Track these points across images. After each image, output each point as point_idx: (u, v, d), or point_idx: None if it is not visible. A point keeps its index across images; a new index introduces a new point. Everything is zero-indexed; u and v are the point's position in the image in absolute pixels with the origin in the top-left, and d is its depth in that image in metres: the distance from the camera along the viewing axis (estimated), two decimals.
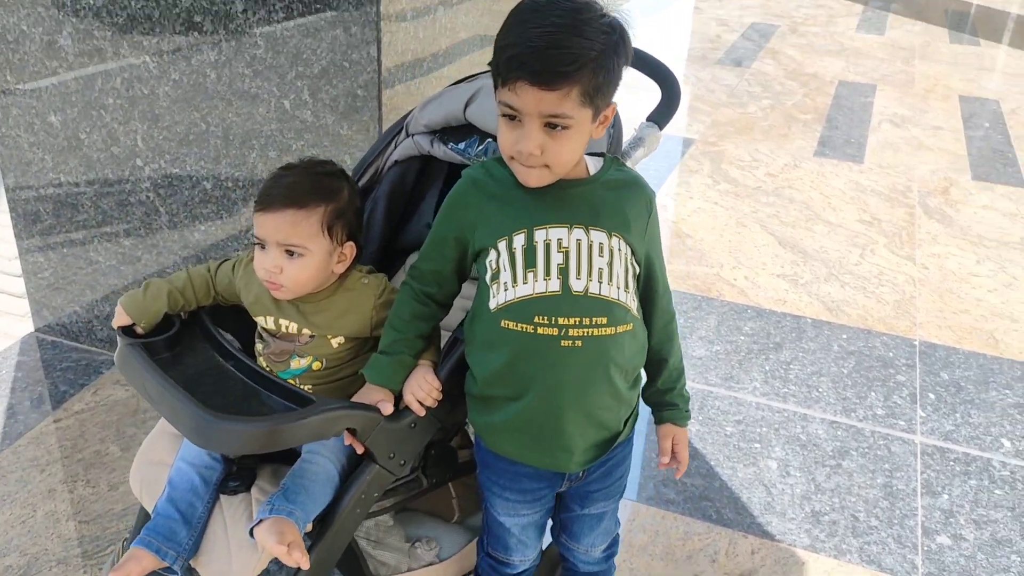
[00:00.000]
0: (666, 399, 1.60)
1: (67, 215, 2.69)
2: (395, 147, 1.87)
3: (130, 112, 2.47)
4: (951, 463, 2.53)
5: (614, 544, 1.72)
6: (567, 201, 1.40)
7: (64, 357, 2.80)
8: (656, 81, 1.74)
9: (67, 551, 2.07)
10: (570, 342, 1.37)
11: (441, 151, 1.81)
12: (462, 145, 1.79)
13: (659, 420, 1.62)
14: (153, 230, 2.62)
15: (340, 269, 1.54)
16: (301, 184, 1.50)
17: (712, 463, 2.49)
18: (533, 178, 1.36)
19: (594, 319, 1.38)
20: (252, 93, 2.33)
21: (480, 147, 1.76)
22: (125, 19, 2.36)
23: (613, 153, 1.61)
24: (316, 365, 1.55)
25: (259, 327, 1.60)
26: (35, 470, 2.32)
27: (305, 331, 1.54)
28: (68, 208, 2.68)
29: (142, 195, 2.58)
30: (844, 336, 3.15)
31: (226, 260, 1.62)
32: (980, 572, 2.16)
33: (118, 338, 1.51)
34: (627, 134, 1.67)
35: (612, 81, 1.32)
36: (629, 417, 1.53)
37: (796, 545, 2.21)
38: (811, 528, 2.27)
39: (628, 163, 1.64)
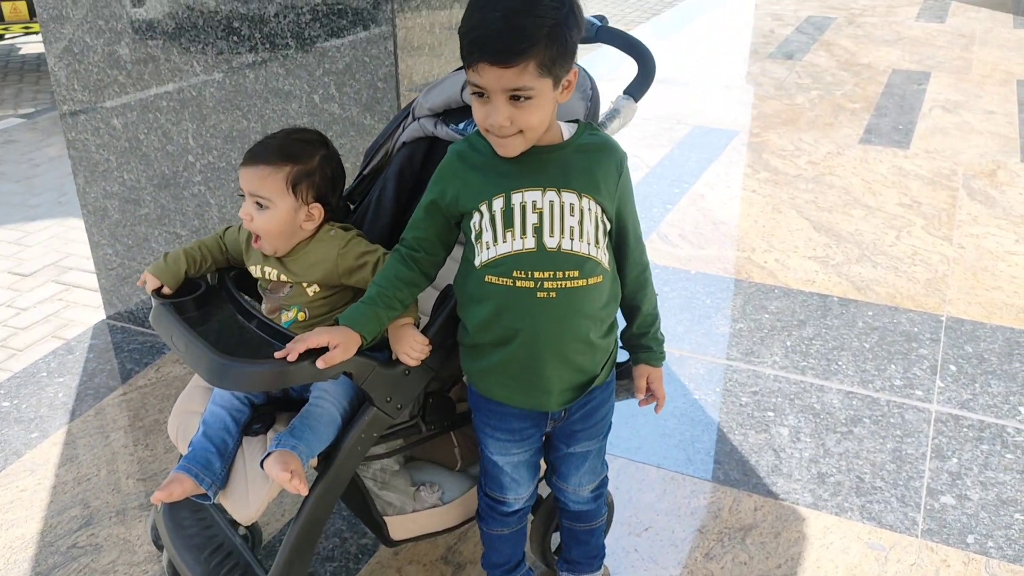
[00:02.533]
0: (641, 342, 1.74)
1: (131, 210, 2.97)
2: (403, 130, 2.05)
3: (181, 113, 2.73)
4: (964, 429, 2.57)
5: (602, 485, 1.85)
6: (541, 166, 1.54)
7: (131, 340, 3.07)
8: (632, 56, 1.86)
9: (125, 504, 2.31)
10: (545, 293, 1.53)
11: (444, 132, 1.98)
12: (462, 125, 1.96)
13: (635, 361, 1.76)
14: (205, 220, 2.87)
15: (309, 227, 1.73)
16: (275, 145, 1.72)
17: (724, 430, 2.59)
18: (509, 147, 1.51)
19: (567, 272, 1.53)
20: (286, 90, 2.55)
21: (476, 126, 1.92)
22: (174, 28, 2.61)
23: (591, 122, 1.75)
24: (300, 316, 1.74)
25: (258, 286, 1.81)
26: (100, 436, 2.58)
27: (283, 278, 1.73)
28: (131, 204, 2.96)
29: (194, 188, 2.83)
30: (870, 313, 3.19)
31: (230, 227, 1.85)
32: (981, 528, 2.20)
33: (152, 300, 1.73)
34: (604, 106, 1.81)
35: (567, 51, 1.46)
36: (606, 362, 1.67)
37: (798, 503, 2.30)
38: (815, 488, 2.35)
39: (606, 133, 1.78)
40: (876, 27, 7.36)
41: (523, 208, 1.52)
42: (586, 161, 1.57)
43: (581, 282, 1.54)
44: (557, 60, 1.44)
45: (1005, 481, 2.36)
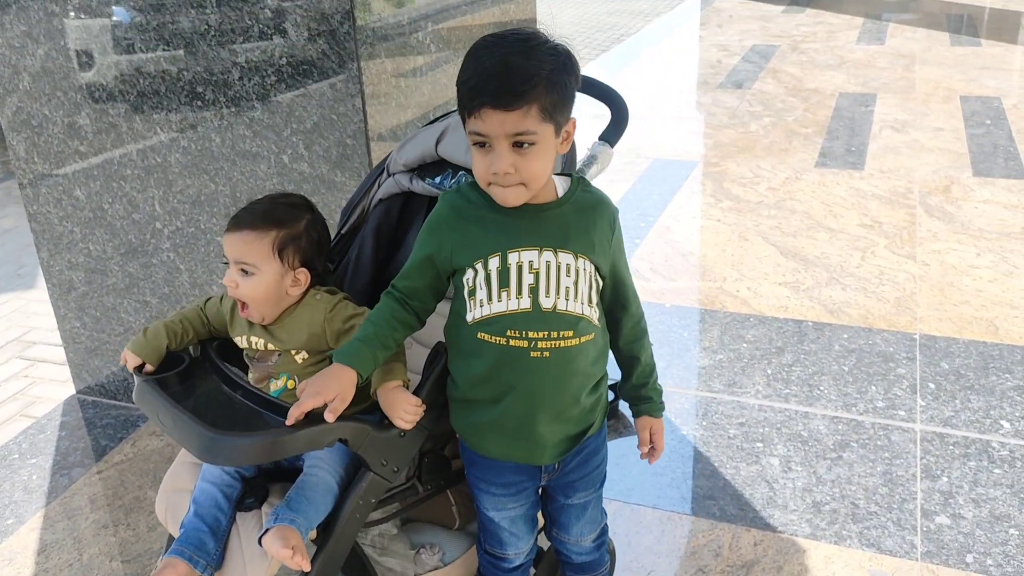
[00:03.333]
0: (641, 393, 1.73)
1: (98, 281, 2.91)
2: (378, 187, 2.04)
3: (146, 180, 2.69)
4: (950, 447, 2.60)
5: (603, 533, 1.83)
6: (538, 224, 1.53)
7: (104, 415, 2.99)
8: (605, 103, 1.88)
9: None
10: (539, 353, 1.51)
11: (420, 186, 1.97)
12: (438, 179, 1.96)
13: (636, 413, 1.75)
14: (176, 287, 2.82)
15: (295, 292, 1.71)
16: (260, 210, 1.70)
17: (716, 464, 2.58)
18: (511, 197, 1.49)
19: (561, 332, 1.52)
20: (253, 152, 2.53)
21: (453, 180, 1.92)
22: (136, 96, 2.58)
23: (568, 170, 1.75)
24: (290, 384, 1.71)
25: (244, 355, 1.77)
26: (80, 518, 2.49)
27: (271, 346, 1.70)
28: (98, 275, 2.90)
29: (163, 255, 2.78)
30: (845, 336, 3.23)
31: (211, 297, 1.81)
32: (978, 547, 2.22)
33: (134, 378, 1.69)
34: (581, 153, 1.82)
35: (566, 98, 1.46)
36: (597, 412, 1.66)
37: (797, 535, 2.29)
38: (812, 518, 2.35)
39: None
40: (819, 52, 7.56)
41: (519, 268, 1.51)
42: (583, 220, 1.56)
43: (574, 341, 1.53)
44: (557, 106, 1.44)
45: (996, 497, 2.38)
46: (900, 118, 5.71)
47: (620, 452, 2.62)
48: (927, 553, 2.21)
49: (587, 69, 7.95)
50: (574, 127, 1.53)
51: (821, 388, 2.92)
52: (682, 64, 7.59)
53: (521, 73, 1.40)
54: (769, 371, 3.03)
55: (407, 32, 2.59)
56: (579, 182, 1.61)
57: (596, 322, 1.57)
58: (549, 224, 1.53)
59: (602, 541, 1.83)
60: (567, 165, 1.77)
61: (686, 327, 3.36)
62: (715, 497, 2.45)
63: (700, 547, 2.27)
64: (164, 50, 2.49)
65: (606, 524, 1.83)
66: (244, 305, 1.69)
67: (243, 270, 1.66)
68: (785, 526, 2.32)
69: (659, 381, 1.75)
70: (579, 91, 1.93)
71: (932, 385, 2.90)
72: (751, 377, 3.00)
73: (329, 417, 1.47)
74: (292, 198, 1.78)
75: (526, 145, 1.43)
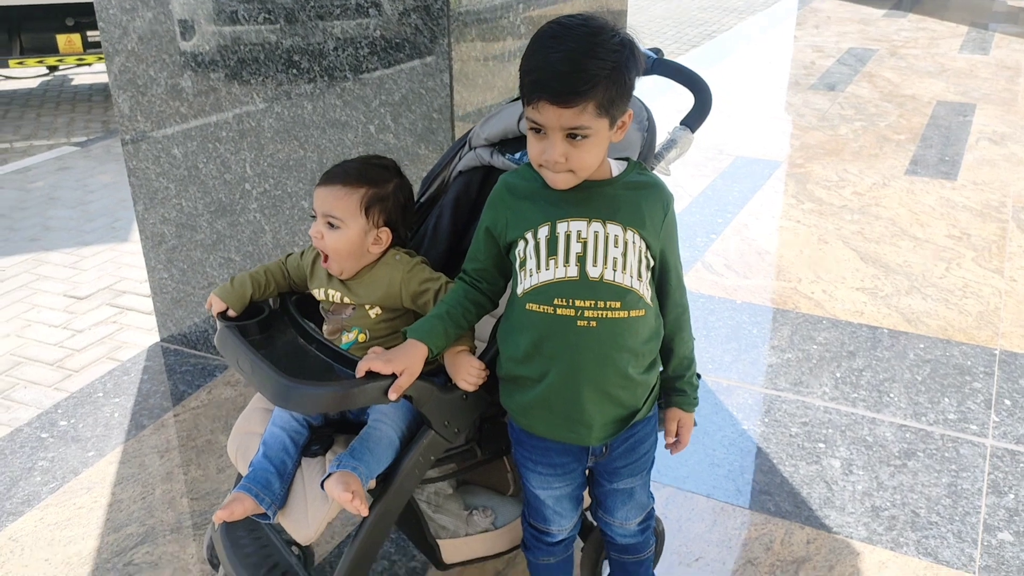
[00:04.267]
0: (676, 386, 1.73)
1: (187, 236, 3.04)
2: (459, 159, 2.09)
3: (240, 143, 2.80)
4: (1021, 465, 2.52)
5: (649, 517, 1.84)
6: (588, 198, 1.56)
7: (184, 362, 3.13)
8: (689, 88, 1.89)
9: (179, 522, 2.34)
10: (586, 322, 1.53)
11: (500, 161, 2.02)
12: (518, 155, 1.99)
13: (666, 404, 1.75)
14: (259, 246, 2.93)
15: (375, 250, 1.78)
16: (353, 168, 1.78)
17: (774, 461, 2.56)
18: (560, 181, 1.53)
19: (608, 303, 1.53)
20: (342, 121, 2.61)
21: None
22: (236, 62, 2.69)
23: (646, 154, 1.77)
24: (361, 337, 1.77)
25: (320, 308, 1.84)
26: (155, 455, 2.63)
27: (347, 300, 1.77)
28: (188, 230, 3.03)
29: (250, 215, 2.90)
30: (921, 345, 3.16)
31: (292, 253, 1.89)
32: None
33: (217, 323, 1.78)
34: (661, 136, 1.83)
35: (625, 93, 1.48)
36: (648, 397, 1.66)
37: (852, 537, 2.27)
38: (869, 522, 2.32)
39: (662, 163, 1.80)
40: (919, 59, 7.33)
41: (567, 237, 1.54)
42: (634, 197, 1.58)
43: (623, 313, 1.54)
44: (615, 101, 1.46)
45: None
46: (999, 130, 5.51)
47: None
48: (985, 567, 2.16)
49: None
50: (631, 118, 1.54)
51: (891, 395, 2.87)
52: (774, 63, 7.45)
53: (583, 74, 1.41)
54: (838, 374, 2.99)
55: (499, 15, 2.63)
56: (635, 166, 1.62)
57: (648, 299, 1.57)
58: (600, 199, 1.55)
59: (648, 525, 1.85)
60: (646, 148, 1.78)
61: (756, 324, 3.33)
62: (771, 493, 2.44)
63: (751, 539, 2.26)
64: (265, 20, 2.59)
65: (652, 508, 1.84)
66: (326, 256, 1.76)
67: (330, 223, 1.73)
68: (840, 527, 2.30)
69: (696, 377, 1.74)
70: (663, 76, 1.96)
71: (1008, 402, 2.82)
72: (818, 378, 2.97)
73: (392, 396, 1.53)
74: (384, 160, 1.85)
75: (579, 137, 1.46)
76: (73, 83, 7.99)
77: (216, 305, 1.77)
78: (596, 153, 1.51)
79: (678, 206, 4.36)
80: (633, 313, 1.54)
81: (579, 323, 1.52)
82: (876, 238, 4.04)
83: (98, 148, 5.94)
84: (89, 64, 7.35)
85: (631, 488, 1.75)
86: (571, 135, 1.46)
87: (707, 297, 3.53)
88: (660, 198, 1.60)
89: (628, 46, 1.47)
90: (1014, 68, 6.97)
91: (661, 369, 1.71)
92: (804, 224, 4.21)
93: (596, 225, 1.53)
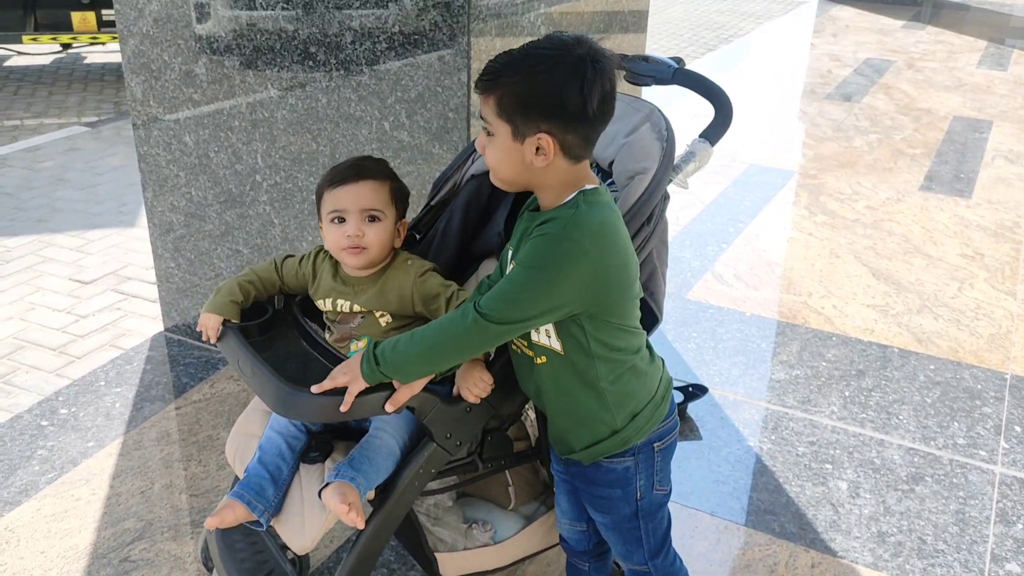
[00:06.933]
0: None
1: (196, 225, 3.01)
2: (472, 162, 2.05)
3: (252, 133, 2.77)
4: None
5: (645, 571, 1.74)
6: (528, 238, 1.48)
7: (187, 354, 3.11)
8: (710, 101, 1.85)
9: (178, 519, 2.32)
10: (540, 359, 1.54)
11: None
12: None
13: None
14: (268, 239, 2.90)
15: (398, 244, 1.78)
16: (368, 165, 1.77)
17: (780, 480, 2.53)
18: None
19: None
20: (356, 116, 2.58)
21: None
22: (251, 51, 2.66)
23: (665, 165, 1.72)
24: None
25: (324, 318, 1.80)
26: (155, 449, 2.60)
27: (356, 308, 1.73)
28: (197, 219, 3.00)
29: (260, 207, 2.86)
30: (931, 367, 3.12)
31: (291, 256, 1.85)
32: None
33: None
34: (680, 149, 1.79)
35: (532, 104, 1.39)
36: (611, 436, 1.57)
37: (858, 562, 2.23)
38: (875, 548, 2.28)
39: (680, 176, 1.76)
40: (936, 72, 7.27)
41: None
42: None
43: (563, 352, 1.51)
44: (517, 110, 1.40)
45: None
46: (1016, 149, 5.45)
47: (683, 455, 2.61)
48: None
49: (691, 67, 7.80)
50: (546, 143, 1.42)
51: (900, 417, 2.83)
52: (790, 71, 7.39)
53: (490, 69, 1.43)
54: (847, 393, 2.95)
55: (519, 12, 2.59)
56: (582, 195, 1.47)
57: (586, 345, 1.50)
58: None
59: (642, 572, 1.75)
60: (665, 159, 1.73)
61: (764, 338, 3.29)
62: (776, 513, 2.40)
63: (755, 561, 2.23)
64: (283, 8, 2.55)
65: (655, 566, 1.73)
66: (358, 250, 1.71)
67: (371, 217, 1.72)
68: (846, 552, 2.27)
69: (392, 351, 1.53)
70: (684, 86, 1.92)
71: (1018, 428, 2.78)
72: (827, 397, 2.93)
73: (389, 408, 1.52)
74: (377, 159, 1.84)
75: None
76: (86, 62, 7.95)
77: (209, 326, 1.72)
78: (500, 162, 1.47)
79: (689, 213, 4.34)
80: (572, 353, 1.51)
81: (536, 360, 1.55)
82: (888, 254, 4.00)
83: (108, 129, 5.91)
84: (103, 43, 7.31)
85: (603, 524, 1.70)
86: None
87: (716, 308, 3.49)
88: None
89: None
90: None
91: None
92: (816, 237, 4.17)
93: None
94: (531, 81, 1.38)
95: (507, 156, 1.44)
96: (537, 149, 1.40)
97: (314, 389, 1.50)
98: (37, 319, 3.45)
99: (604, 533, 1.73)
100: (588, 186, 1.46)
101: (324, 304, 1.78)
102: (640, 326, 1.56)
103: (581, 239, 1.39)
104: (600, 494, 1.65)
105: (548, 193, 1.46)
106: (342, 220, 1.72)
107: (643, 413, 1.57)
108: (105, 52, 8.10)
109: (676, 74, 1.96)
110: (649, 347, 1.62)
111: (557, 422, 1.62)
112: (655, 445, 1.62)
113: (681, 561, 1.79)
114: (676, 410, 1.68)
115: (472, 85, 2.40)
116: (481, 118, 1.46)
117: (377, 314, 1.74)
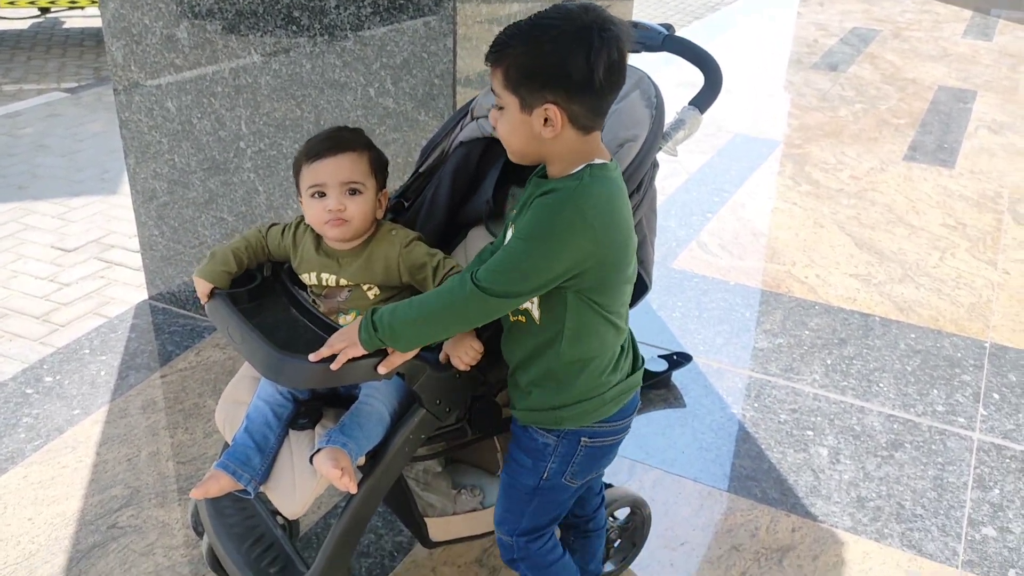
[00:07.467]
0: None
1: (179, 193, 2.99)
2: (460, 129, 2.04)
3: (235, 99, 2.74)
4: (1007, 460, 2.53)
5: (513, 535, 1.74)
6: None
7: (172, 322, 3.10)
8: (699, 68, 1.84)
9: (165, 487, 2.32)
10: (517, 317, 1.55)
11: None
12: None
13: None
14: (252, 207, 2.88)
15: (380, 215, 1.76)
16: (345, 136, 1.74)
17: (762, 447, 2.57)
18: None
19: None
20: (341, 82, 2.55)
21: None
22: (234, 15, 2.62)
23: (655, 132, 1.72)
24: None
25: (309, 291, 1.80)
26: (141, 417, 2.60)
27: (343, 281, 1.73)
28: (180, 187, 2.98)
29: (244, 175, 2.84)
30: (912, 335, 3.16)
31: (275, 224, 1.83)
32: (1023, 563, 2.17)
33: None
34: (669, 116, 1.79)
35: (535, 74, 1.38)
36: (549, 410, 1.59)
37: (837, 526, 2.28)
38: (855, 512, 2.33)
39: (669, 144, 1.76)
40: (922, 42, 7.27)
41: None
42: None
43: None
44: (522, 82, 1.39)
45: None
46: (999, 119, 5.48)
47: (667, 422, 2.64)
48: (968, 562, 2.17)
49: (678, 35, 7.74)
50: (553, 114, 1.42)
51: (880, 385, 2.87)
52: (776, 40, 7.37)
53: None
54: (829, 361, 2.99)
55: None
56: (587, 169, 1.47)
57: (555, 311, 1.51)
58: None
59: (509, 543, 1.74)
60: (655, 126, 1.73)
61: (748, 307, 3.31)
62: (758, 479, 2.44)
63: (737, 526, 2.27)
64: None
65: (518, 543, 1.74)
66: (340, 223, 1.70)
67: (352, 190, 1.70)
68: (826, 516, 2.31)
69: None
70: (673, 53, 1.91)
71: (996, 396, 2.83)
72: (809, 365, 2.96)
73: (382, 371, 1.51)
74: (354, 128, 1.82)
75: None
76: (64, 26, 7.81)
77: (201, 289, 1.73)
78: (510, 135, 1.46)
79: (675, 182, 4.35)
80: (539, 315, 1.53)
81: (511, 318, 1.57)
82: (871, 224, 4.03)
83: (89, 95, 5.83)
84: (82, 7, 7.17)
85: (504, 483, 1.73)
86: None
87: (700, 277, 3.51)
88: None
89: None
90: (1016, 56, 6.93)
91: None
92: (800, 207, 4.19)
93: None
94: (536, 51, 1.36)
95: (517, 128, 1.43)
96: (545, 120, 1.39)
97: (312, 357, 1.50)
98: (20, 287, 3.43)
99: (500, 489, 1.75)
100: (598, 160, 1.45)
101: (309, 278, 1.77)
102: (623, 327, 1.57)
103: (584, 209, 1.39)
104: (515, 455, 1.69)
105: (557, 165, 1.46)
106: (323, 195, 1.70)
107: (586, 404, 1.58)
108: (84, 16, 7.96)
109: (666, 41, 1.95)
110: (624, 353, 1.60)
111: (514, 375, 1.64)
112: (583, 439, 1.62)
113: (562, 556, 1.77)
114: (627, 427, 1.66)
115: (457, 51, 2.40)
116: (492, 91, 1.45)
117: (364, 287, 1.74)
